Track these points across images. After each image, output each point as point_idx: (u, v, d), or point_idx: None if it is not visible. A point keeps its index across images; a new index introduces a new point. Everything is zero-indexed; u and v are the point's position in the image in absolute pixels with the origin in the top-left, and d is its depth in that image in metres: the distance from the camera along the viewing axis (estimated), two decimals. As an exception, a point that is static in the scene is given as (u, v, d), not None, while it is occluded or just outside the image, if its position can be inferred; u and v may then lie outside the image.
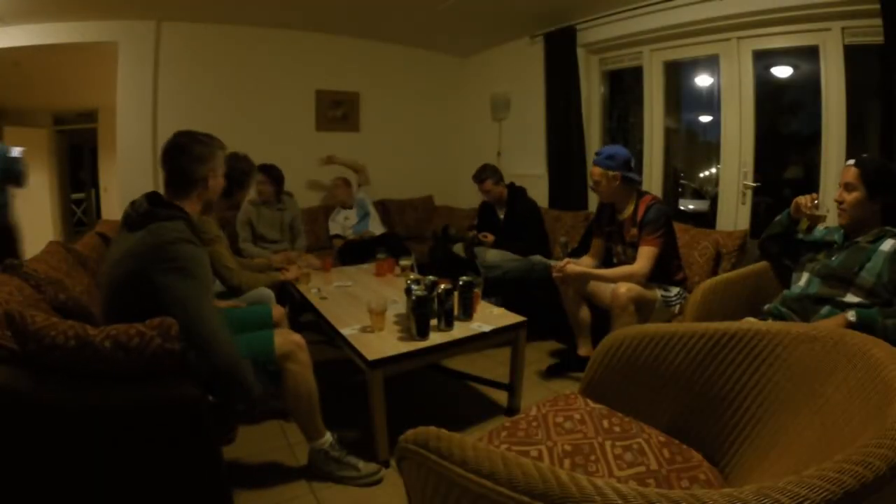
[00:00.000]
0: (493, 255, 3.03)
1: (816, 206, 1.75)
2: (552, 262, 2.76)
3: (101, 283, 1.43)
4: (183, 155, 1.44)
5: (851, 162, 1.66)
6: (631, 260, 2.27)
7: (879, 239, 1.60)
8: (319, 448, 1.65)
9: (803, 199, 1.75)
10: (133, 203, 1.37)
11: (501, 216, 3.29)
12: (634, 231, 2.24)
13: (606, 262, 2.48)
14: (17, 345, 1.11)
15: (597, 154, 2.31)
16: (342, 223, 3.88)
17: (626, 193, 2.29)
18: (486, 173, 3.24)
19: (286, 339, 1.59)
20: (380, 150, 4.58)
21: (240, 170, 2.34)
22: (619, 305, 2.10)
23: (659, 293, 2.21)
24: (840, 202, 1.65)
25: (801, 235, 1.87)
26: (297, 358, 1.58)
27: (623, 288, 2.10)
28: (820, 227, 1.85)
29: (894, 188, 1.59)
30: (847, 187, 1.64)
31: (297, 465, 1.75)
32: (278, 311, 2.06)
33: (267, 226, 3.32)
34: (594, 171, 2.29)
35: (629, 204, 2.29)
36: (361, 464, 1.66)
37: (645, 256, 2.15)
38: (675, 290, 2.28)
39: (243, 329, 1.67)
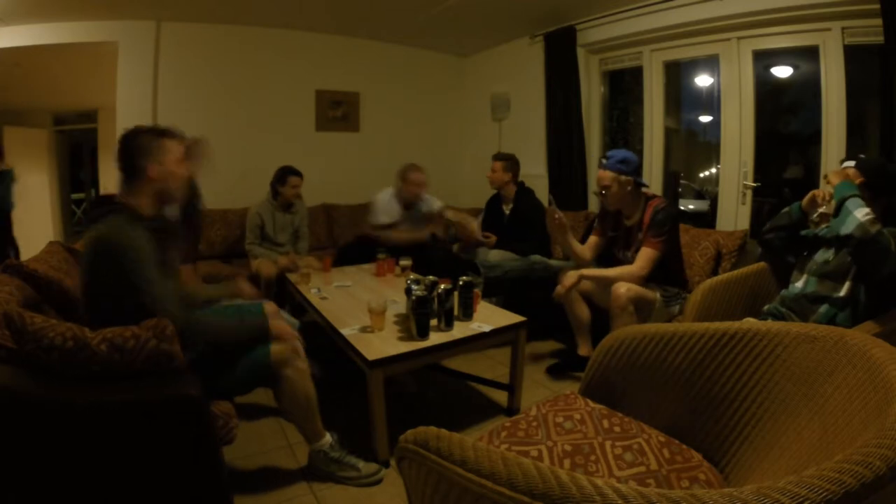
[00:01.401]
0: (493, 255, 3.03)
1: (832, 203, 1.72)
2: (551, 263, 2.76)
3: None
4: (123, 150, 1.48)
5: (851, 163, 1.63)
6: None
7: None
8: (319, 449, 1.65)
9: (821, 193, 1.70)
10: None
11: (507, 212, 3.29)
12: (642, 237, 2.21)
13: (603, 261, 2.47)
14: (15, 345, 1.11)
15: (606, 158, 2.23)
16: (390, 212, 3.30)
17: (635, 199, 2.25)
18: (503, 157, 3.21)
19: (284, 346, 1.58)
20: (380, 150, 4.58)
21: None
22: (618, 305, 2.09)
23: (659, 293, 2.21)
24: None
25: (805, 232, 1.84)
26: (293, 364, 1.58)
27: (623, 288, 2.09)
28: (823, 226, 1.83)
29: (893, 185, 1.58)
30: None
31: (297, 465, 1.75)
32: (270, 307, 2.07)
33: (279, 229, 3.30)
34: (604, 176, 2.20)
35: (637, 210, 2.25)
36: (361, 464, 1.66)
37: (645, 258, 2.14)
38: (674, 291, 2.28)
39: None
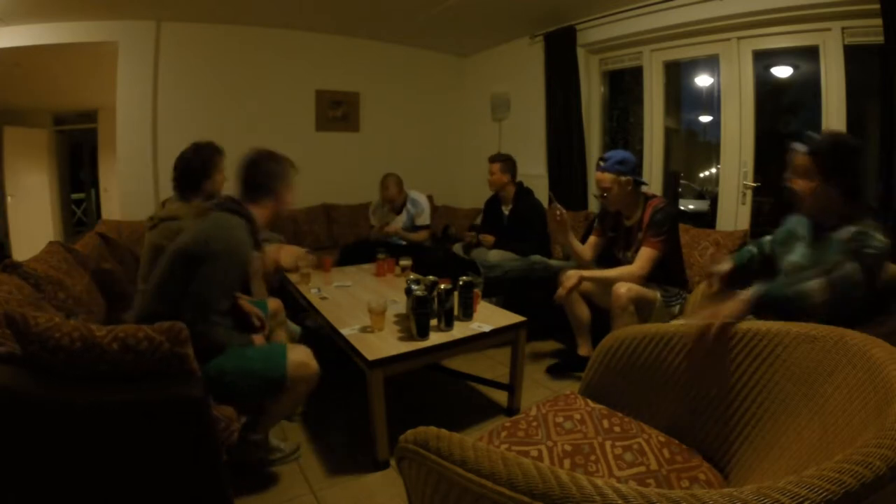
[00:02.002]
0: (493, 256, 3.03)
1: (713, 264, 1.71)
2: (551, 263, 2.76)
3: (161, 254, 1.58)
4: (259, 169, 1.68)
5: (801, 147, 1.45)
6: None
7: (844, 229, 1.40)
8: (259, 439, 1.69)
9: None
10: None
11: (506, 213, 3.29)
12: (642, 237, 2.21)
13: (603, 261, 2.47)
14: (18, 346, 1.10)
15: (603, 160, 2.22)
16: (382, 218, 3.73)
17: (635, 199, 2.25)
18: (499, 158, 3.23)
19: (303, 363, 1.54)
20: (380, 150, 4.58)
21: (202, 159, 2.15)
22: (619, 306, 2.09)
23: (659, 293, 2.21)
24: (791, 189, 1.47)
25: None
26: (308, 382, 1.57)
27: (623, 288, 2.09)
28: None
29: (852, 170, 1.39)
30: (799, 173, 1.45)
31: (298, 465, 1.75)
32: (275, 303, 2.09)
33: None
34: (603, 178, 2.19)
35: (637, 209, 2.25)
36: (283, 444, 1.78)
37: (644, 258, 2.14)
38: (675, 291, 2.28)
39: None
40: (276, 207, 1.69)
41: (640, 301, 2.12)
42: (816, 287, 1.31)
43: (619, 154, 2.21)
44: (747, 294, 1.31)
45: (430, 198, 4.76)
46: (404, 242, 3.60)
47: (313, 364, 1.57)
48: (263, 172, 1.66)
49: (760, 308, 1.30)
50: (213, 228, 1.50)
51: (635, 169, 2.21)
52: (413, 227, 3.66)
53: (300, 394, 1.59)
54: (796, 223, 1.64)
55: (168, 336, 1.13)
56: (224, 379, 1.43)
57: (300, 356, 1.55)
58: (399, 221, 3.66)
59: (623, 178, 2.17)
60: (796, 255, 1.57)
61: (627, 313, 2.08)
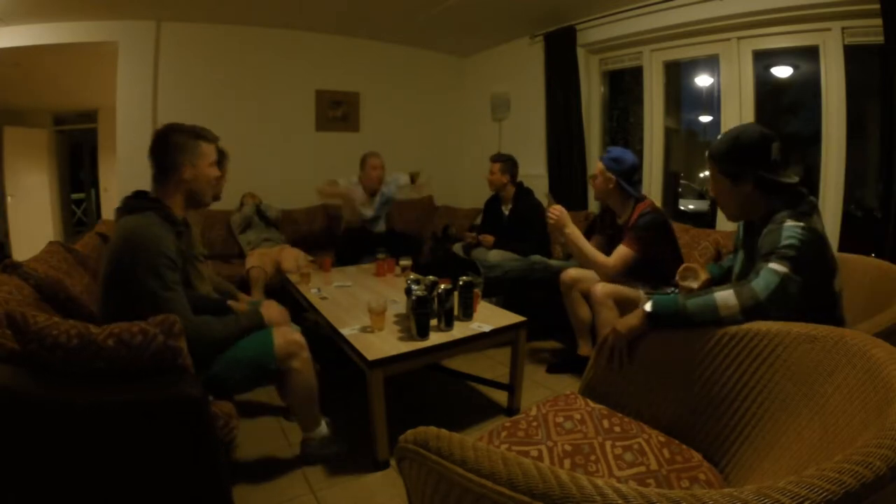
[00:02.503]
0: (493, 256, 3.03)
1: (686, 277, 1.62)
2: (551, 263, 2.77)
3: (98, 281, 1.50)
4: (158, 145, 1.51)
5: (706, 154, 1.41)
6: None
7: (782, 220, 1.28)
8: (315, 437, 1.73)
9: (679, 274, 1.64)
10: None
11: (506, 212, 3.29)
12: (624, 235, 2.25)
13: None
14: (17, 344, 1.11)
15: (607, 151, 2.33)
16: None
17: (621, 200, 2.30)
18: (501, 158, 3.24)
19: (288, 340, 1.59)
20: (379, 150, 4.52)
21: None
22: (596, 301, 2.17)
23: (641, 292, 2.22)
24: (712, 197, 1.42)
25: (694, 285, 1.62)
26: (299, 357, 1.60)
27: (598, 286, 2.17)
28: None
29: (752, 161, 1.32)
30: (712, 181, 1.42)
31: (298, 465, 1.74)
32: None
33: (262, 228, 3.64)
34: (597, 165, 2.32)
35: (626, 209, 2.30)
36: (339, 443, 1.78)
37: (618, 254, 2.18)
38: (675, 291, 2.28)
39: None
40: (187, 185, 1.52)
41: (619, 298, 2.17)
42: (720, 299, 1.15)
43: (617, 152, 2.28)
44: (643, 308, 1.24)
45: (430, 197, 4.78)
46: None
47: (296, 335, 1.61)
48: (165, 147, 1.50)
49: (657, 323, 1.22)
50: (119, 242, 1.38)
51: (629, 172, 2.24)
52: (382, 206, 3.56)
53: (302, 371, 1.60)
54: (740, 228, 1.57)
55: (162, 328, 1.14)
56: (215, 370, 1.45)
57: (281, 332, 1.59)
58: (370, 206, 3.52)
59: (608, 174, 2.25)
60: (737, 263, 1.53)
61: (607, 308, 2.14)
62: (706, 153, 1.41)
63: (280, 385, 1.71)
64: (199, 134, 1.55)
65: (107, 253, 1.42)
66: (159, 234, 1.39)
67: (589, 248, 2.23)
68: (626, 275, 2.21)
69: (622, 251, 2.18)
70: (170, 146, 1.50)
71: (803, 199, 1.30)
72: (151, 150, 1.51)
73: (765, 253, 1.22)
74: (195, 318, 1.41)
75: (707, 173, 1.70)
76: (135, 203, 1.45)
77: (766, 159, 1.32)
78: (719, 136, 1.40)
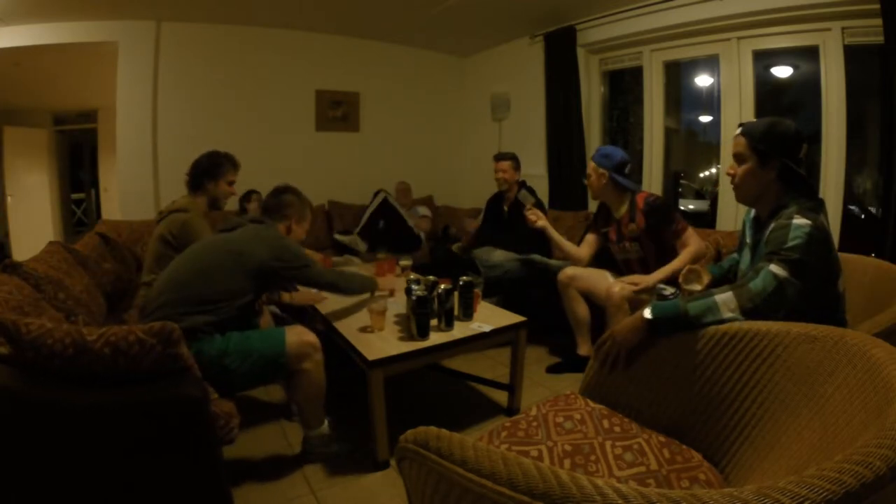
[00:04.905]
0: (494, 256, 3.02)
1: (689, 280, 1.61)
2: (551, 262, 2.76)
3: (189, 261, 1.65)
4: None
5: (739, 130, 1.41)
6: (630, 253, 2.31)
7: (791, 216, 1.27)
8: (318, 434, 1.74)
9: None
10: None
11: (507, 211, 3.29)
12: (633, 226, 2.25)
13: (599, 258, 2.48)
14: (13, 353, 1.09)
15: (596, 151, 2.38)
16: None
17: (616, 194, 2.31)
18: (509, 156, 3.24)
19: (303, 341, 1.62)
20: (380, 150, 4.58)
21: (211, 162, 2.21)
22: (613, 304, 2.13)
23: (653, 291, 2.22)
24: (731, 176, 1.41)
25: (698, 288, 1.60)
26: (312, 358, 1.63)
27: (616, 287, 2.15)
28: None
29: (784, 150, 1.32)
30: (737, 158, 1.40)
31: (298, 465, 1.75)
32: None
33: None
34: (589, 165, 2.37)
35: (622, 203, 2.32)
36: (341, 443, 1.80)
37: (690, 236, 2.18)
38: (671, 290, 2.27)
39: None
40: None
41: (634, 300, 2.15)
42: (721, 301, 1.15)
43: (607, 149, 2.35)
44: (642, 314, 1.22)
45: (430, 197, 4.78)
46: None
47: (310, 337, 1.64)
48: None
49: (658, 329, 1.21)
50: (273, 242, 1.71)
51: (619, 167, 2.27)
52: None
53: (313, 371, 1.63)
54: (745, 225, 1.58)
55: (159, 338, 1.10)
56: (225, 360, 1.49)
57: (296, 331, 1.64)
58: None
59: (600, 170, 2.29)
60: (743, 260, 1.52)
61: (622, 312, 2.11)
62: (738, 130, 1.39)
63: (289, 383, 1.73)
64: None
65: (254, 248, 1.65)
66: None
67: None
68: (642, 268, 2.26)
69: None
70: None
71: (814, 198, 1.31)
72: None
73: (768, 251, 1.22)
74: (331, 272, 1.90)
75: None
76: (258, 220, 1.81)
77: (796, 153, 1.33)
78: (755, 121, 1.39)
